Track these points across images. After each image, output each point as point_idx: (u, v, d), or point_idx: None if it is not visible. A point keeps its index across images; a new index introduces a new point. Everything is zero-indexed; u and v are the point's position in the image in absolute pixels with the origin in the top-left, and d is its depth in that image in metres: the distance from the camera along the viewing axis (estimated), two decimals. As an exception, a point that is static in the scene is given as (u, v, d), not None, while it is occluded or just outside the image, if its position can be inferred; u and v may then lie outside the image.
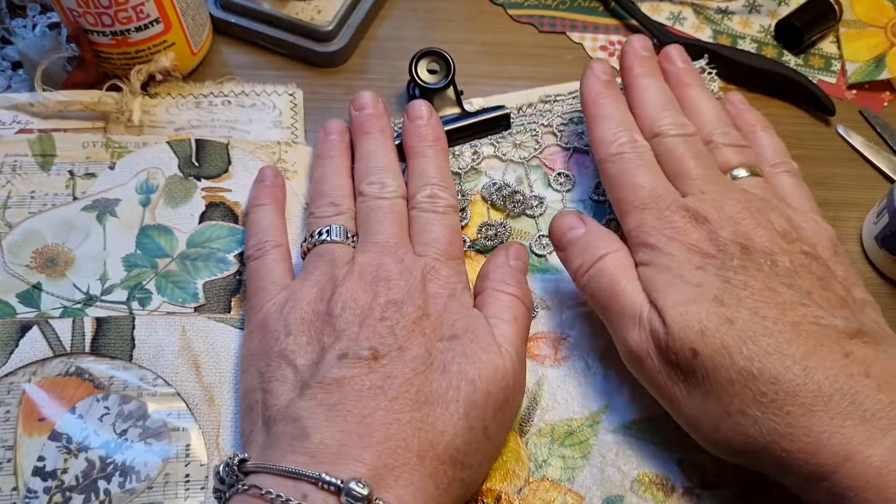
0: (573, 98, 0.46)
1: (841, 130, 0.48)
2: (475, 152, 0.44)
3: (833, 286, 0.33)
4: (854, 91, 0.49)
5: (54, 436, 0.33)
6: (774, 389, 0.29)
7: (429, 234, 0.36)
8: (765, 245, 0.33)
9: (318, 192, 0.39)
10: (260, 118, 0.44)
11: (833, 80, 0.50)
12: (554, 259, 0.41)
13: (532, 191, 0.43)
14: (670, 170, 0.37)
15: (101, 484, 0.32)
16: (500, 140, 0.44)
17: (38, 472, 0.32)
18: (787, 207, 0.36)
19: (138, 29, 0.42)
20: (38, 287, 0.37)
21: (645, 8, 0.51)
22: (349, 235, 0.36)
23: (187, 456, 0.33)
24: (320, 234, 0.36)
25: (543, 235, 0.42)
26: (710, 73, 0.47)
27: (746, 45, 0.51)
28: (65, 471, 0.32)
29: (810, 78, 0.48)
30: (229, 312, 0.37)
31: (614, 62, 0.49)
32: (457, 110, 0.44)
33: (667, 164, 0.37)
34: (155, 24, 0.42)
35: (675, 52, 0.42)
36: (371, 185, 0.38)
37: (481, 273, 0.37)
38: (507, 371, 0.32)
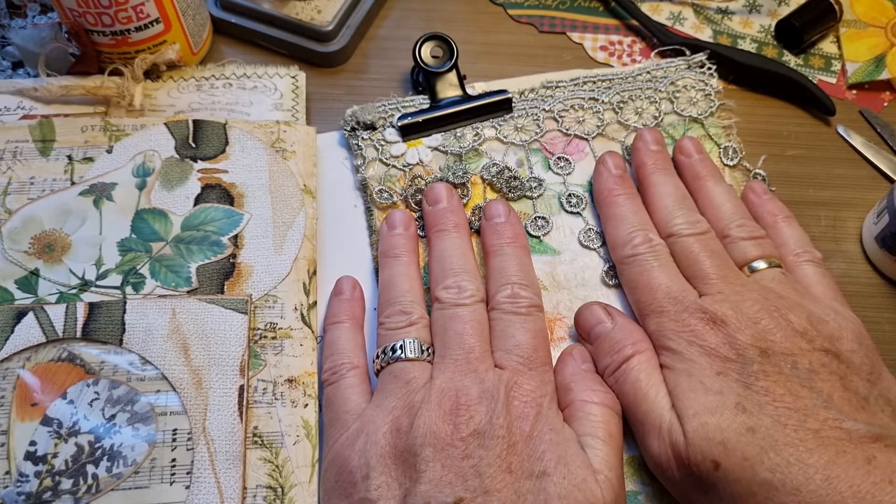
0: (574, 85, 0.46)
1: (841, 130, 0.47)
2: (476, 134, 0.44)
3: (855, 385, 0.32)
4: (854, 91, 0.49)
5: (46, 421, 0.33)
6: (797, 500, 0.28)
7: (510, 339, 0.34)
8: (784, 347, 0.32)
9: (387, 298, 0.37)
10: (261, 100, 0.45)
11: (833, 81, 0.49)
12: (550, 240, 0.42)
13: (532, 173, 0.43)
14: (687, 270, 0.37)
15: (90, 468, 0.33)
16: (501, 123, 0.45)
17: (30, 456, 0.33)
18: (807, 300, 0.35)
19: (138, 29, 0.42)
20: (35, 273, 0.37)
21: (645, 8, 0.51)
22: (424, 349, 0.34)
23: (174, 441, 0.33)
24: (394, 350, 0.34)
25: (539, 217, 0.42)
26: (710, 69, 0.47)
27: (746, 45, 0.50)
28: (55, 455, 0.33)
29: (810, 78, 0.48)
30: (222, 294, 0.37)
31: (614, 62, 0.50)
32: (459, 93, 0.45)
33: (683, 264, 0.37)
34: (155, 23, 0.43)
35: (689, 143, 0.43)
36: (448, 291, 0.35)
37: (560, 385, 0.34)
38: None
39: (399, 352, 0.34)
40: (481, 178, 0.43)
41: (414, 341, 0.34)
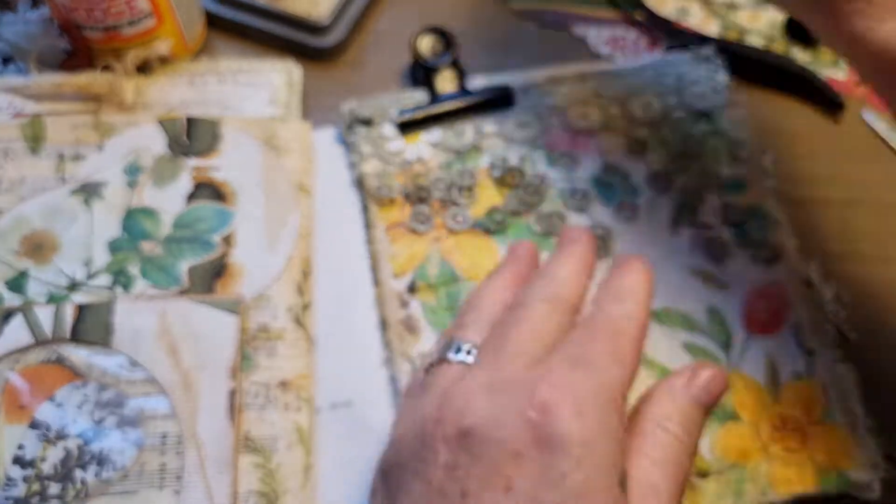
0: (578, 80, 0.45)
1: (866, 116, 0.47)
2: (477, 130, 0.43)
3: None
4: (863, 87, 0.48)
5: (34, 424, 0.33)
6: None
7: None
8: None
9: None
10: (255, 95, 0.44)
11: (842, 77, 0.48)
12: (555, 237, 0.41)
13: (535, 169, 0.42)
14: None
15: (78, 473, 0.32)
16: (503, 119, 0.44)
17: (18, 460, 0.32)
18: None
19: (130, 23, 0.42)
20: (25, 274, 0.36)
21: (650, 1, 0.50)
22: None
23: (163, 445, 0.33)
24: None
25: (543, 214, 0.41)
26: (717, 63, 0.46)
27: (754, 40, 0.49)
28: (43, 459, 0.32)
29: (820, 74, 0.47)
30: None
31: (619, 56, 0.49)
32: (459, 88, 0.44)
33: None
34: (147, 18, 0.42)
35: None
36: None
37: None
38: None
39: None
40: (490, 176, 0.42)
41: None
